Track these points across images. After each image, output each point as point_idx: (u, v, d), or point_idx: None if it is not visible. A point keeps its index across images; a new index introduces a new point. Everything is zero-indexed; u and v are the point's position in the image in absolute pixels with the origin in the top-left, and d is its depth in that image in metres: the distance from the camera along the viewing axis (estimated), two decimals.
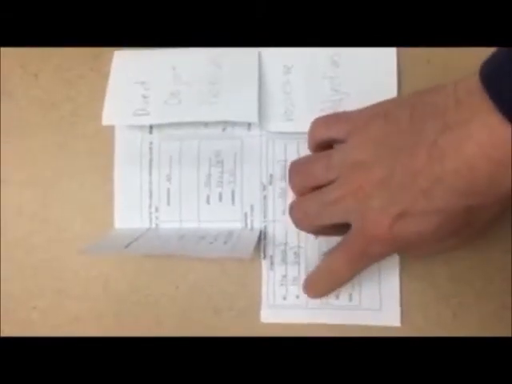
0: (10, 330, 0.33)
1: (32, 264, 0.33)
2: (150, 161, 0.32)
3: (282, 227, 0.31)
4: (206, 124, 0.32)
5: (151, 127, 0.32)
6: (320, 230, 0.28)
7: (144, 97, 0.31)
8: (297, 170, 0.28)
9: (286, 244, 0.31)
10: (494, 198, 0.21)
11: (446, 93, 0.22)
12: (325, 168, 0.26)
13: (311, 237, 0.31)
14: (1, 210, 0.33)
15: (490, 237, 0.30)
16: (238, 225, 0.31)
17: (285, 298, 0.31)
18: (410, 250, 0.26)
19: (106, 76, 0.32)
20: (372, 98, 0.30)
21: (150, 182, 0.32)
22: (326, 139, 0.27)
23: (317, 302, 0.30)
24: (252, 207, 0.32)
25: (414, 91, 0.24)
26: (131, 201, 0.32)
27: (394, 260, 0.30)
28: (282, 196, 0.31)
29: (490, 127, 0.20)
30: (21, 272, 0.33)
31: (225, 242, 0.29)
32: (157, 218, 0.32)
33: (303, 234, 0.30)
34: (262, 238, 0.31)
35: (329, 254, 0.28)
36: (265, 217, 0.31)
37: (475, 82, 0.21)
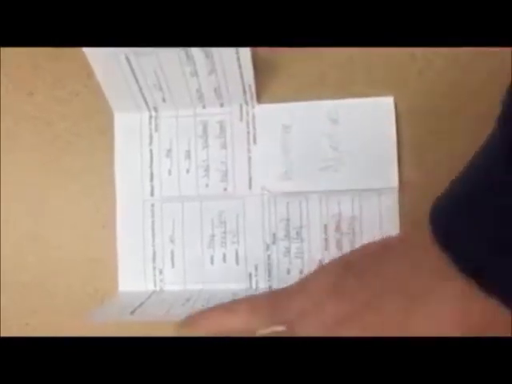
0: None
1: (24, 281, 0.33)
2: (153, 223, 0.32)
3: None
4: (207, 184, 0.32)
5: (152, 189, 0.32)
6: None
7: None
8: None
9: None
10: None
11: (398, 255, 0.22)
12: None
13: None
14: None
15: None
16: (242, 285, 0.31)
17: None
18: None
19: (100, 93, 0.32)
20: (372, 154, 0.31)
21: (153, 245, 0.32)
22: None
23: None
24: (256, 267, 0.31)
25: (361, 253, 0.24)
26: (135, 264, 0.32)
27: None
28: (287, 255, 0.31)
29: (460, 296, 0.19)
30: (13, 289, 0.33)
31: None
32: (161, 280, 0.32)
33: None
34: None
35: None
36: (269, 276, 0.31)
37: (427, 239, 0.20)
